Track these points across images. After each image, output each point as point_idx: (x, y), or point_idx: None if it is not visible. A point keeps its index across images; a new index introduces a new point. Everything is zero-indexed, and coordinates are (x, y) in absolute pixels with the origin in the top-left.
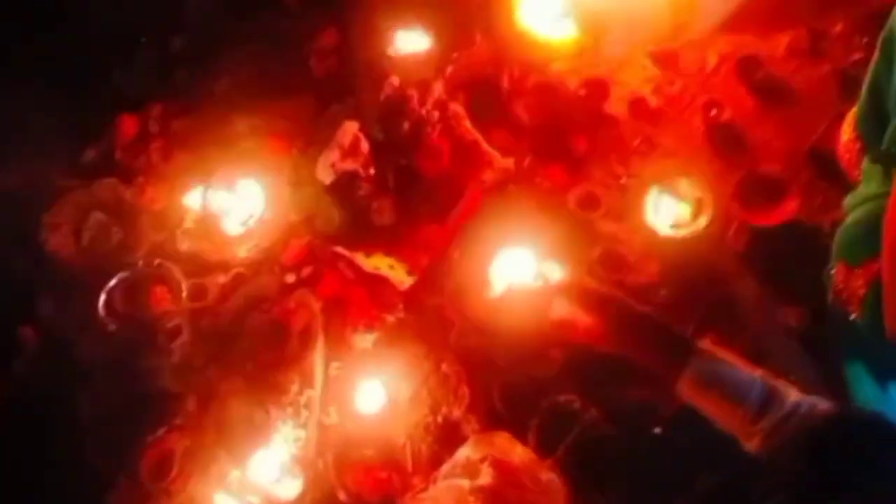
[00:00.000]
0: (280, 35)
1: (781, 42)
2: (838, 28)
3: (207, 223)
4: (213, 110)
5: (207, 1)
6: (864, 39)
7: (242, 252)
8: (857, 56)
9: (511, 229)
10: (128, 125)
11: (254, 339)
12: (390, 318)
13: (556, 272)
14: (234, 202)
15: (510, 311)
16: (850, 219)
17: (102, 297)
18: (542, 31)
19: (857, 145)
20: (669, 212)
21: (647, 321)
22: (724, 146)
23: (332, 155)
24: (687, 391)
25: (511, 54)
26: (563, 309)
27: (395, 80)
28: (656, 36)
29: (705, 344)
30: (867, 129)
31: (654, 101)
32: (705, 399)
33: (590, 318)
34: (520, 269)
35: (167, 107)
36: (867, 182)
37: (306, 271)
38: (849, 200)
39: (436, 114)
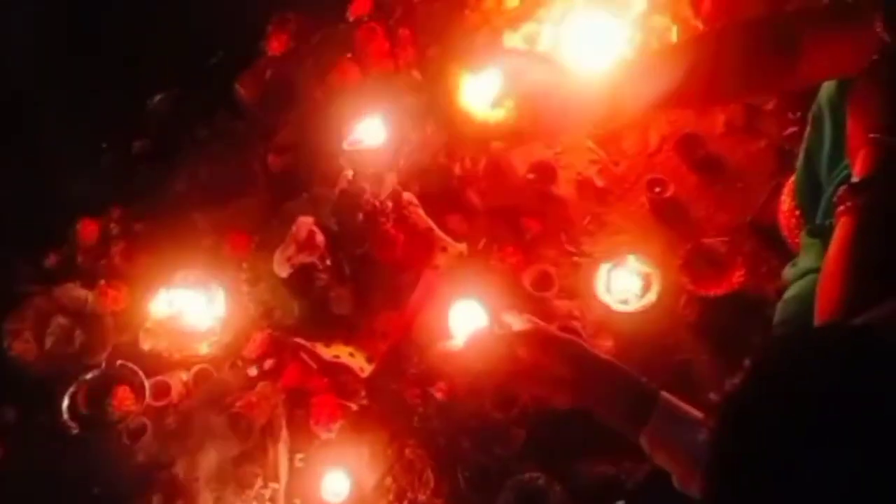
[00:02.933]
0: (238, 135)
1: (719, 120)
2: (771, 105)
3: (169, 322)
4: (173, 211)
5: (165, 104)
6: (797, 114)
7: (204, 348)
8: (790, 130)
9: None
10: (88, 229)
11: (217, 434)
12: (353, 407)
13: (517, 320)
14: (195, 300)
15: (474, 360)
16: (788, 293)
17: (65, 401)
18: (482, 114)
19: (797, 214)
20: (620, 287)
21: (609, 369)
22: (670, 221)
23: (288, 250)
24: (648, 446)
25: (459, 141)
26: (525, 356)
27: (348, 174)
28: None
29: (667, 396)
30: (804, 200)
31: (600, 182)
32: (666, 456)
33: (553, 366)
34: (480, 318)
35: (128, 209)
36: (805, 255)
37: (268, 364)
38: (787, 273)
39: (389, 204)
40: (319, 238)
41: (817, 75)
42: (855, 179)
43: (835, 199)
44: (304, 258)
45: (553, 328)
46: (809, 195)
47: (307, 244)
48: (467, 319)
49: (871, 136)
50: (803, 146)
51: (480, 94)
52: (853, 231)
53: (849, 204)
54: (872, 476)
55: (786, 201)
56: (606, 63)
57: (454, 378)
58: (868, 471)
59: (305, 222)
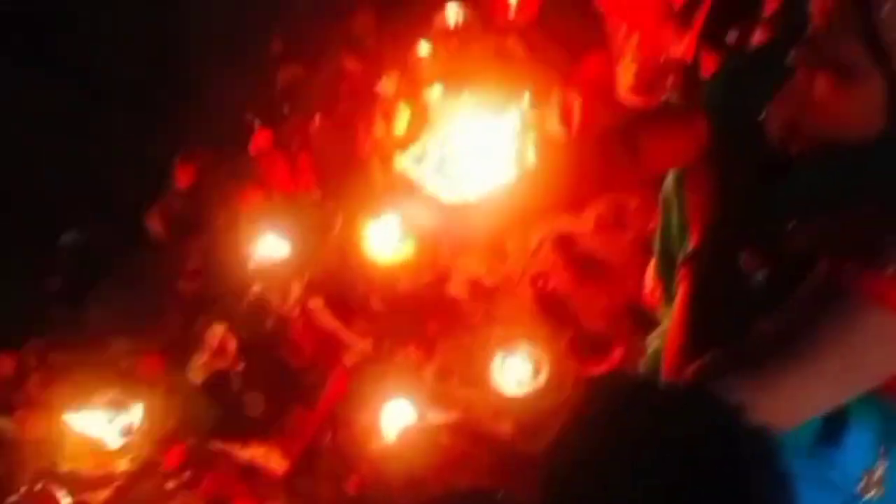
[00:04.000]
0: (149, 264)
1: (590, 218)
2: (635, 203)
3: (88, 442)
4: (88, 339)
5: (80, 241)
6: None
7: (123, 465)
8: (654, 224)
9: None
10: (5, 364)
11: None
12: None
13: (442, 416)
14: (113, 418)
15: (404, 454)
16: (648, 350)
17: None
18: (385, 255)
19: (659, 290)
20: (513, 373)
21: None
22: (553, 311)
23: (202, 356)
24: None
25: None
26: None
27: (256, 287)
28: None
29: None
30: (663, 277)
31: (489, 281)
32: None
33: (478, 455)
34: (406, 416)
35: (43, 342)
36: (664, 319)
37: (187, 475)
38: (650, 338)
39: (296, 310)
40: (231, 345)
41: (659, 167)
42: (689, 251)
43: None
44: (218, 364)
45: (476, 419)
46: (667, 271)
47: (220, 351)
48: (397, 418)
49: (699, 212)
50: (658, 229)
51: (382, 240)
52: (686, 295)
53: (683, 272)
54: None
55: (649, 281)
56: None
57: (367, 473)
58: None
59: (217, 330)
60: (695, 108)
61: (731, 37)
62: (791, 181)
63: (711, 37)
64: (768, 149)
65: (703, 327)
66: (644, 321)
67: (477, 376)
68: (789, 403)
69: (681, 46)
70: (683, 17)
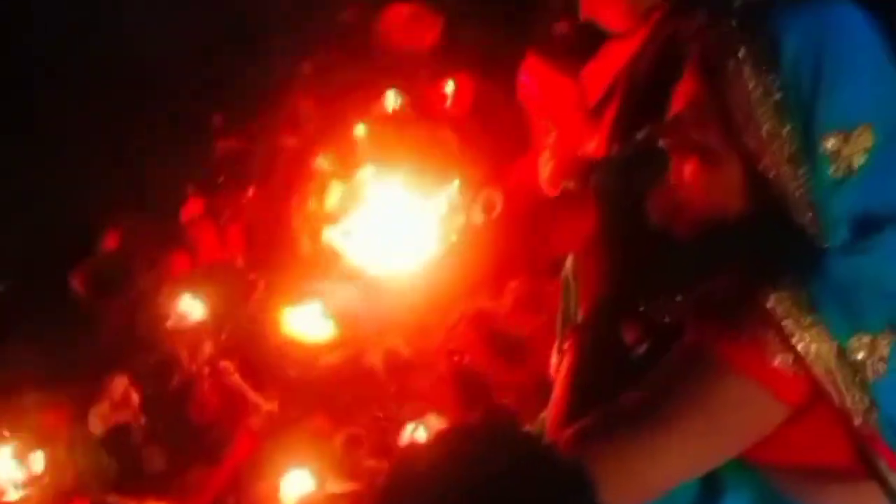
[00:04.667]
0: (68, 319)
1: (507, 299)
2: (551, 287)
3: None
4: None
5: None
6: None
7: None
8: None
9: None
10: None
11: None
12: None
13: (342, 486)
14: (14, 469)
15: None
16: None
17: None
18: (308, 335)
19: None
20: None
21: None
22: (467, 385)
23: (103, 407)
24: None
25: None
26: None
27: (166, 344)
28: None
29: None
30: None
31: (406, 354)
32: None
33: None
34: (306, 484)
35: None
36: None
37: None
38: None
39: (205, 369)
40: (134, 397)
41: (562, 250)
42: (575, 324)
43: None
44: (120, 416)
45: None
46: None
47: (122, 402)
48: (297, 486)
49: (588, 288)
50: (559, 311)
51: (304, 322)
52: (570, 364)
53: (569, 343)
54: None
55: (553, 360)
56: (408, 270)
57: None
58: None
59: (120, 381)
60: (587, 193)
61: (641, 134)
62: (668, 260)
63: (620, 135)
64: (651, 230)
65: (584, 393)
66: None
67: (386, 447)
68: (655, 466)
69: (592, 144)
70: (595, 116)
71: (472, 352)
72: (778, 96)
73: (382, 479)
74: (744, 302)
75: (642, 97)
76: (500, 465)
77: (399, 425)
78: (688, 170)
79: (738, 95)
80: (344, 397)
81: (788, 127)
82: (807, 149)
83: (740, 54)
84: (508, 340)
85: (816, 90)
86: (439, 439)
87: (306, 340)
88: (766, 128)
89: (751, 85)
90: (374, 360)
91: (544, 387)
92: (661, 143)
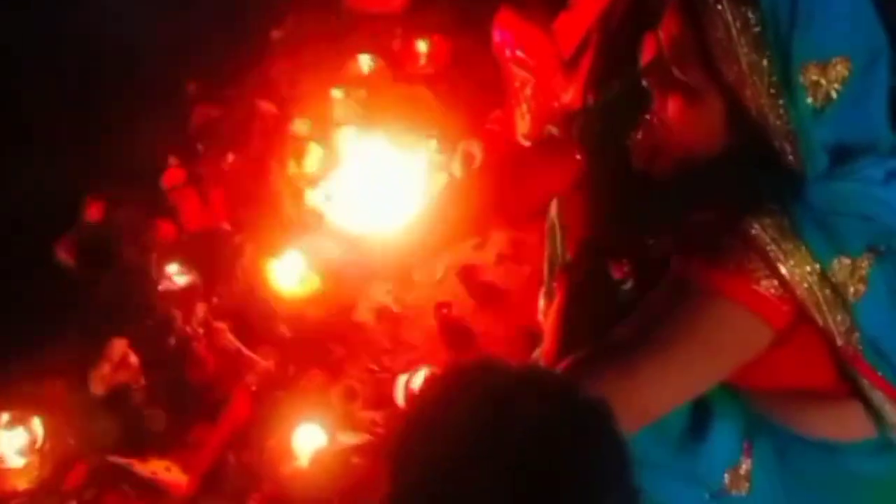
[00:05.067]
0: (57, 293)
1: (492, 252)
2: (535, 238)
3: None
4: None
5: None
6: None
7: (23, 484)
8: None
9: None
10: None
11: None
12: None
13: (352, 437)
14: (13, 437)
15: (313, 475)
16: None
17: None
18: (290, 288)
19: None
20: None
21: None
22: (456, 338)
23: (103, 369)
24: None
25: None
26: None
27: (161, 308)
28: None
29: None
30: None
31: (395, 308)
32: None
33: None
34: (318, 438)
35: None
36: None
37: (88, 495)
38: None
39: (200, 330)
40: (133, 359)
41: (544, 196)
42: (564, 263)
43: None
44: (120, 378)
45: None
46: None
47: (121, 364)
48: (308, 440)
49: (575, 230)
50: (546, 256)
51: (289, 272)
52: (561, 301)
53: (559, 281)
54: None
55: (541, 304)
56: (391, 224)
57: (270, 493)
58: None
59: (120, 343)
60: (570, 139)
61: (615, 84)
62: (652, 199)
63: (596, 84)
64: (633, 171)
65: (575, 329)
66: (538, 344)
67: (381, 398)
68: (650, 390)
69: (569, 93)
70: (571, 67)
71: (459, 304)
72: (757, 30)
73: (399, 426)
74: (728, 231)
75: (617, 47)
76: (511, 395)
77: (392, 377)
78: (671, 107)
79: (718, 31)
80: (337, 352)
81: (767, 59)
82: (786, 80)
83: None
84: (494, 291)
85: (794, 23)
86: (445, 379)
87: (292, 294)
88: (745, 61)
89: (730, 19)
90: (365, 315)
91: (531, 335)
92: (644, 83)
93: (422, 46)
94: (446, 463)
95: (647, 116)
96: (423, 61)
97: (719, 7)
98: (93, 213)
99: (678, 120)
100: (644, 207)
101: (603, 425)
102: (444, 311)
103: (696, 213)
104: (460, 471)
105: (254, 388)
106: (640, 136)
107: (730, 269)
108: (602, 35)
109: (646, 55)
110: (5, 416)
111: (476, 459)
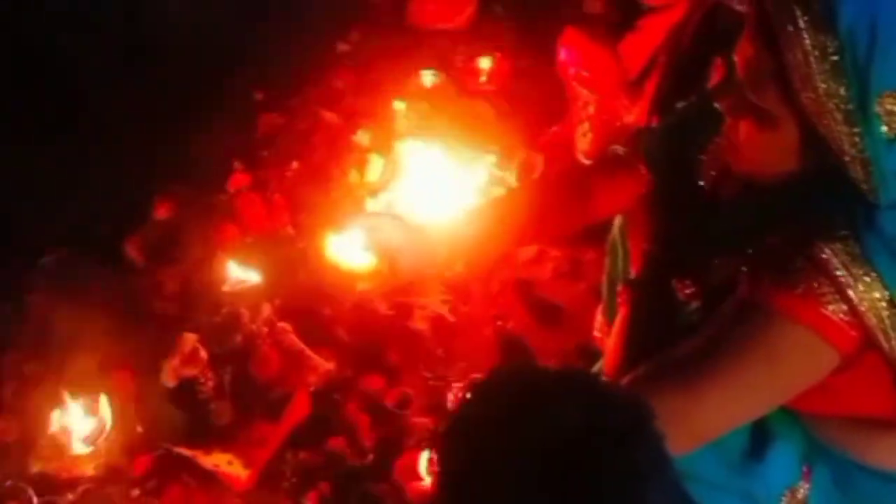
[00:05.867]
0: (127, 289)
1: (548, 267)
2: (591, 255)
3: (58, 446)
4: (63, 352)
5: (54, 263)
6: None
7: (90, 469)
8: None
9: None
10: None
11: None
12: None
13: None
14: (83, 424)
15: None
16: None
17: None
18: (348, 261)
19: (606, 328)
20: None
21: None
22: (510, 351)
23: (174, 361)
24: None
25: (328, 285)
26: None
27: (228, 306)
28: (439, 263)
29: None
30: (610, 315)
31: (451, 318)
32: None
33: None
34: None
35: (19, 352)
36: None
37: (151, 484)
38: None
39: (265, 329)
40: (202, 354)
41: (606, 213)
42: (629, 279)
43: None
44: (189, 371)
45: None
46: (613, 309)
47: (191, 358)
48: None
49: (641, 247)
50: (605, 273)
51: (346, 248)
52: (624, 317)
53: (623, 297)
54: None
55: (598, 320)
56: (449, 220)
57: (327, 492)
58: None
59: (189, 338)
60: (636, 158)
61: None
62: (719, 220)
63: (662, 104)
64: (701, 192)
65: (637, 347)
66: (593, 361)
67: (434, 406)
68: (712, 410)
69: (633, 113)
70: (636, 87)
71: (514, 317)
72: (835, 58)
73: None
74: (798, 255)
75: (685, 67)
76: (562, 401)
77: (446, 386)
78: (742, 130)
79: (797, 58)
80: (393, 358)
81: (844, 87)
82: (862, 108)
83: (799, 19)
84: (550, 307)
85: (871, 53)
86: (487, 377)
87: (345, 267)
88: (822, 88)
89: (809, 46)
90: (421, 323)
91: (586, 352)
92: (717, 105)
93: (484, 63)
94: (485, 453)
95: (717, 138)
96: (484, 78)
97: (798, 33)
98: (162, 211)
99: (749, 143)
100: (711, 228)
101: (642, 420)
102: (500, 323)
103: (764, 236)
104: (498, 461)
105: (313, 388)
106: (709, 157)
107: (798, 293)
108: (670, 56)
109: (716, 76)
110: (76, 404)
111: (512, 451)
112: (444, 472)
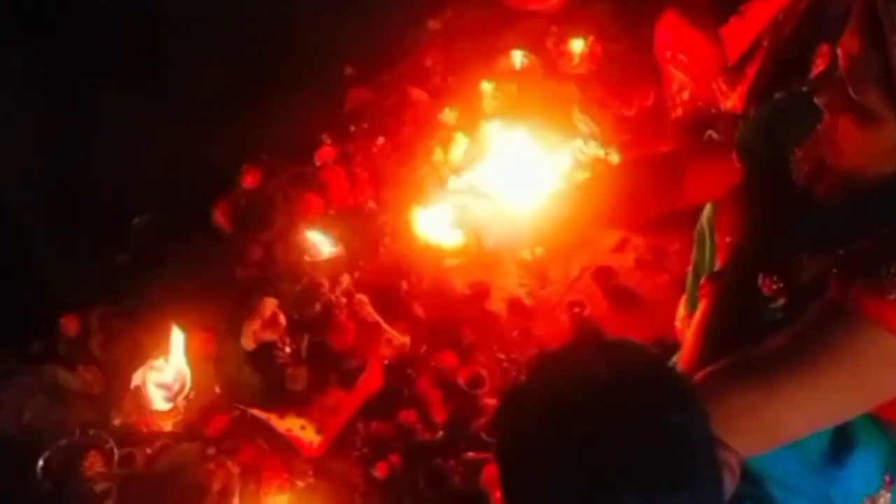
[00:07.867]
0: (210, 252)
1: (630, 256)
2: (676, 246)
3: (139, 401)
4: (148, 311)
5: (147, 225)
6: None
7: (169, 426)
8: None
9: None
10: (71, 323)
11: (176, 498)
12: (301, 484)
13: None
14: (164, 382)
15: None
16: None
17: (40, 462)
18: (436, 238)
19: (687, 319)
20: None
21: None
22: (587, 336)
23: (254, 324)
24: None
25: (409, 261)
26: None
27: (308, 275)
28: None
29: None
30: (693, 307)
31: (528, 302)
32: None
33: None
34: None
35: (108, 309)
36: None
37: (226, 444)
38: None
39: (343, 300)
40: (281, 319)
41: (697, 198)
42: (713, 271)
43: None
44: (268, 335)
45: None
46: (695, 302)
47: (270, 322)
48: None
49: (727, 239)
50: (691, 263)
51: (434, 223)
52: (706, 308)
53: (705, 288)
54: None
55: (680, 311)
56: (535, 197)
57: (396, 462)
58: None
59: (270, 303)
60: (730, 146)
61: (781, 94)
62: (812, 217)
63: (761, 92)
64: (795, 187)
65: (717, 340)
66: (671, 353)
67: (506, 388)
68: (790, 412)
69: (730, 100)
70: (735, 74)
71: (592, 304)
72: None
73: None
74: (892, 260)
75: (787, 56)
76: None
77: (519, 369)
78: (842, 127)
79: None
80: (468, 337)
81: None
82: None
83: None
84: (629, 295)
85: None
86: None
87: (432, 242)
88: None
89: None
90: (498, 304)
91: (664, 343)
92: (816, 99)
93: (576, 46)
94: (540, 423)
95: (816, 132)
96: (576, 61)
97: None
98: (250, 180)
99: (848, 140)
100: (803, 225)
101: (684, 390)
102: (577, 309)
103: (858, 238)
104: (553, 429)
105: (387, 361)
106: (805, 151)
107: (890, 299)
108: (773, 43)
109: (818, 67)
110: (158, 362)
111: (564, 423)
112: (501, 435)
